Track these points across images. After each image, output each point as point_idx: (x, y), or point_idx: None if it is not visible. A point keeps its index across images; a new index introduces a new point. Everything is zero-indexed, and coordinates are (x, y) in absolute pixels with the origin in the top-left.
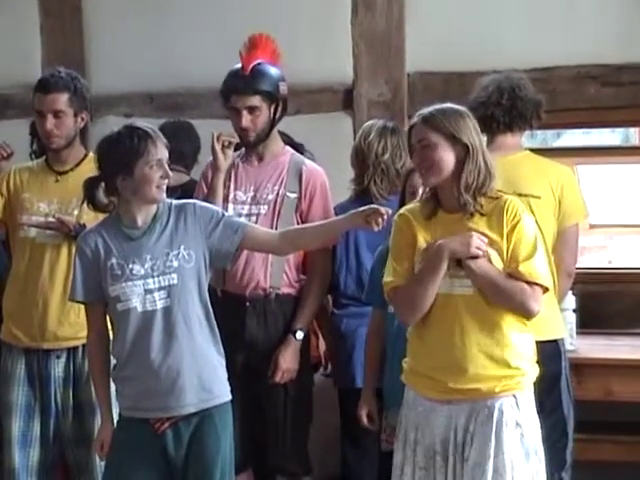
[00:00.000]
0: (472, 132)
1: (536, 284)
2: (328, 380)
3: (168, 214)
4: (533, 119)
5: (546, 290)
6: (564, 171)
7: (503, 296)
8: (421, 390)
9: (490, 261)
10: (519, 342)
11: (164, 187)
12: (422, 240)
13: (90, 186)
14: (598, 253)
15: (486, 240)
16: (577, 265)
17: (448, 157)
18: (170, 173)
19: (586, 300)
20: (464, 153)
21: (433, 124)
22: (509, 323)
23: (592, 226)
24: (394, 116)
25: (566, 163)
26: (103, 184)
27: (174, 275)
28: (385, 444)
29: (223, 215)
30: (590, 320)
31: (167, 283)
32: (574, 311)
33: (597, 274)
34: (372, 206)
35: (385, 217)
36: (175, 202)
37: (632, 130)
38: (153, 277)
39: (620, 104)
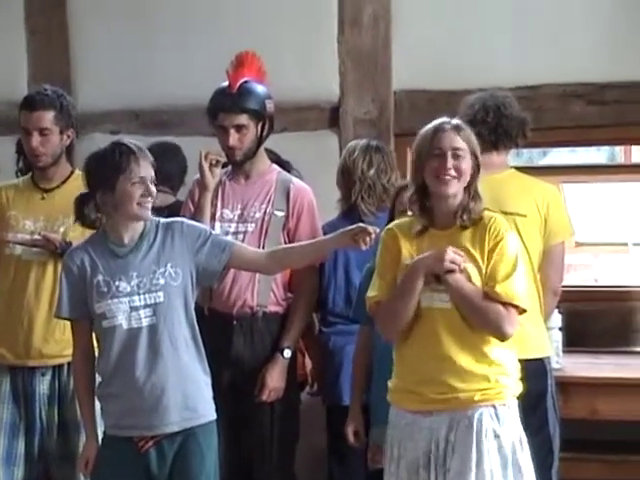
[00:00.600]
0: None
1: (512, 305)
2: (315, 398)
3: (155, 232)
4: (519, 137)
5: (523, 311)
6: (550, 189)
7: (477, 315)
8: (403, 404)
9: (469, 279)
10: (498, 357)
11: (147, 205)
12: (407, 254)
13: (80, 202)
14: (584, 271)
15: (463, 254)
16: (563, 283)
17: (469, 172)
18: (154, 192)
19: (572, 318)
20: (474, 170)
21: (465, 136)
22: (487, 338)
23: (578, 244)
24: (380, 134)
25: (552, 181)
26: (92, 201)
27: (160, 293)
28: (371, 463)
29: (210, 234)
30: (576, 338)
31: (153, 301)
32: (560, 329)
33: (583, 292)
34: (360, 225)
35: (373, 236)
36: (163, 220)
37: (617, 148)
38: (139, 294)
39: (605, 122)
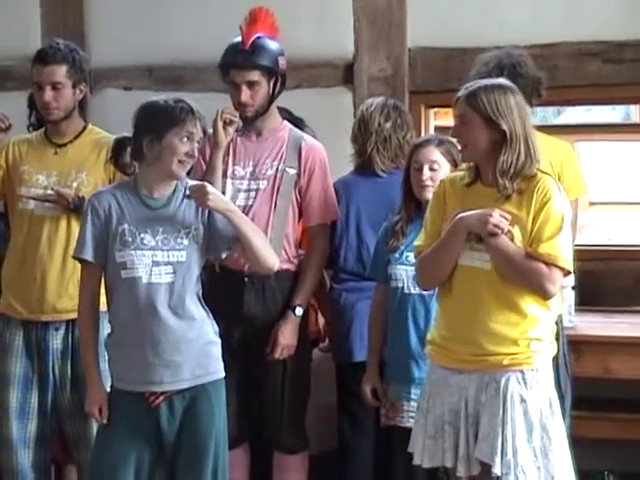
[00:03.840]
0: (514, 114)
1: (555, 265)
2: (325, 355)
3: (184, 192)
4: (533, 96)
5: (568, 273)
6: (564, 147)
7: (519, 275)
8: (436, 358)
9: (512, 239)
10: (533, 321)
11: (187, 165)
12: (451, 207)
13: (121, 143)
14: (597, 230)
15: (509, 217)
16: (576, 242)
17: (482, 138)
18: (196, 154)
19: (585, 277)
20: (502, 137)
21: (474, 102)
22: (526, 302)
23: (592, 203)
24: (394, 91)
25: (566, 140)
26: (132, 145)
27: (183, 252)
28: (384, 419)
29: None
30: (589, 297)
31: (175, 259)
32: (573, 288)
33: (596, 251)
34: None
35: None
36: (191, 182)
37: (633, 107)
38: (162, 250)
39: (621, 81)
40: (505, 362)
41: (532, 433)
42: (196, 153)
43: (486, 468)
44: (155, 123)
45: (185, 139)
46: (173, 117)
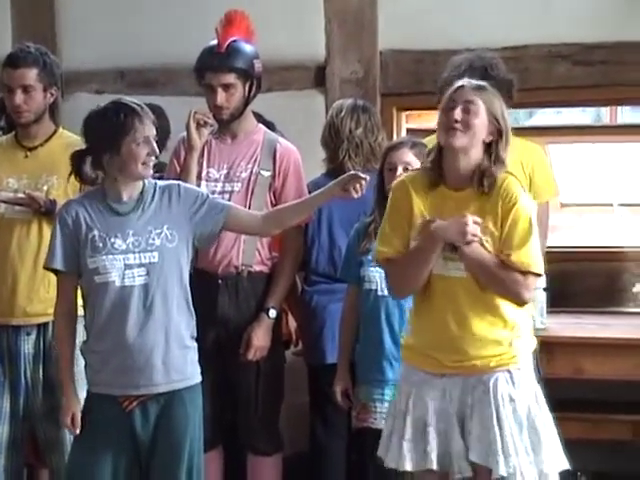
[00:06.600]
0: (505, 116)
1: (529, 272)
2: (297, 358)
3: (153, 193)
4: (504, 99)
5: (538, 276)
6: (535, 149)
7: (494, 284)
8: (416, 364)
9: (483, 245)
10: (514, 320)
11: (151, 164)
12: (418, 212)
13: (77, 159)
14: (569, 232)
15: (480, 222)
16: (547, 244)
17: (483, 130)
18: (157, 150)
19: (556, 279)
20: (493, 135)
21: (484, 96)
22: (504, 303)
23: (563, 205)
24: (366, 94)
25: (537, 142)
26: (90, 158)
27: (155, 253)
28: (356, 421)
29: (207, 196)
30: (560, 299)
31: (147, 260)
32: (544, 290)
33: (568, 253)
34: (350, 173)
35: (364, 182)
36: (160, 182)
37: (603, 109)
38: (134, 253)
39: (591, 83)
40: (492, 364)
41: (522, 432)
42: (157, 150)
43: (483, 470)
44: (106, 137)
45: (141, 143)
46: (121, 127)
